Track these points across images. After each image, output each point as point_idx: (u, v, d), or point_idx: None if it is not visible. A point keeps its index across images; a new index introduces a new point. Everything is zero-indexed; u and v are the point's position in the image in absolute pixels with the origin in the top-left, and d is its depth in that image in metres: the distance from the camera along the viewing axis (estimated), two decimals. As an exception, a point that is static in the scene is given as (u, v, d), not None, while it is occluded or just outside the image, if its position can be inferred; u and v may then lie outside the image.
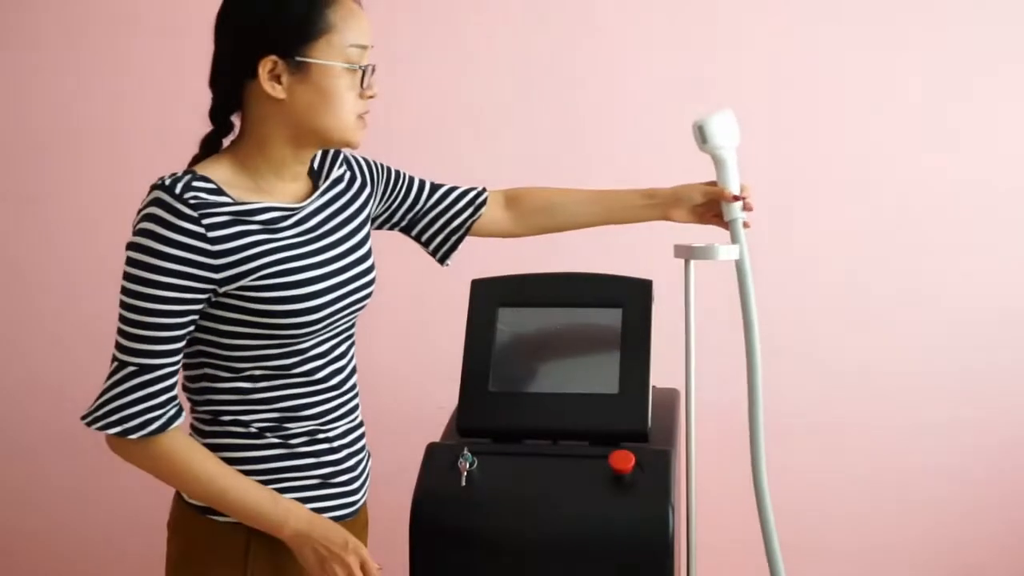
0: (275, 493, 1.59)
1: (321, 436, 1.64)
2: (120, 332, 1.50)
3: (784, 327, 2.77)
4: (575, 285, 1.95)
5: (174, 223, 1.46)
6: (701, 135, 1.87)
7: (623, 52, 2.80)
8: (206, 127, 1.59)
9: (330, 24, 1.51)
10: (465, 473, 1.72)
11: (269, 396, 1.59)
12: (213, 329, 1.55)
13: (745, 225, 1.88)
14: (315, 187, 1.66)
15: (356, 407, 1.71)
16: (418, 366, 2.78)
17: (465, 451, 1.74)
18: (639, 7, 2.79)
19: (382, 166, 1.81)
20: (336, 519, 1.65)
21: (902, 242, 2.77)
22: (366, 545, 1.76)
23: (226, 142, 1.60)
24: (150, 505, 2.16)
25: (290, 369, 1.59)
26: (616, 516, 1.68)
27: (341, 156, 1.73)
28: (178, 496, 1.64)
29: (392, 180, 1.82)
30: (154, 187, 1.50)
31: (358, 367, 1.72)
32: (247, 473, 1.59)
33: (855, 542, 2.85)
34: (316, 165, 1.69)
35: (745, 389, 1.89)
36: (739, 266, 1.87)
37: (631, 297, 1.90)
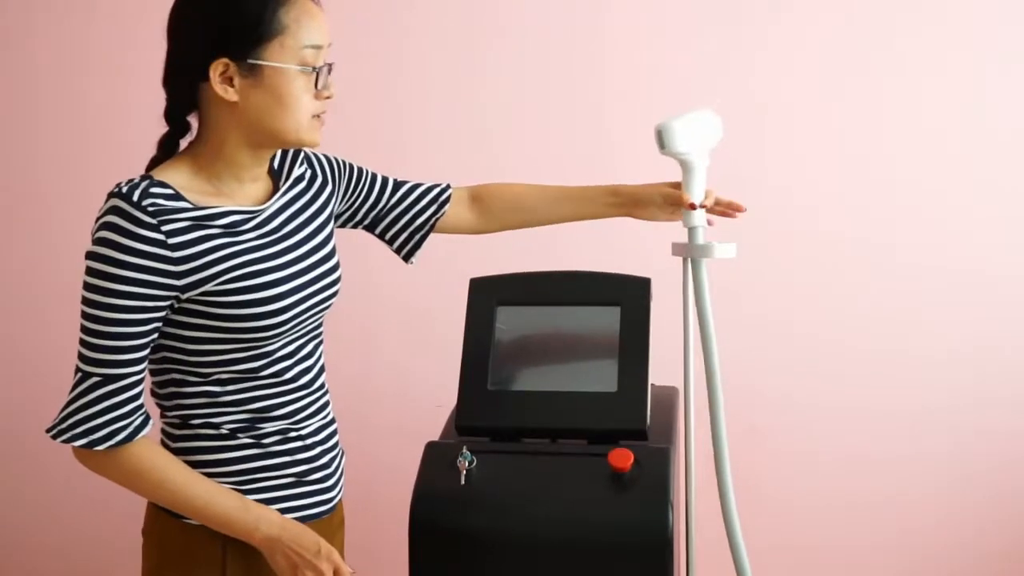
0: (245, 499, 1.58)
1: (293, 434, 1.63)
2: (82, 343, 1.48)
3: (782, 325, 2.77)
4: (574, 283, 1.94)
5: (133, 231, 1.44)
6: (659, 140, 1.79)
7: (623, 51, 2.80)
8: (162, 127, 1.56)
9: (283, 26, 1.48)
10: (464, 472, 1.72)
11: (239, 398, 1.58)
12: (178, 335, 1.53)
13: (710, 222, 1.83)
14: (276, 187, 1.64)
15: (327, 404, 1.71)
16: (417, 365, 2.77)
17: (464, 450, 1.74)
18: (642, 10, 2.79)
19: (343, 163, 1.79)
20: (312, 516, 1.65)
21: (901, 239, 2.78)
22: (343, 542, 1.76)
23: (183, 142, 1.59)
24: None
25: (258, 371, 1.58)
26: (615, 514, 1.69)
27: (301, 155, 1.71)
28: (152, 503, 1.62)
29: (354, 177, 1.79)
30: (111, 195, 1.48)
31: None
32: (220, 475, 1.58)
33: (853, 540, 2.85)
34: (276, 164, 1.66)
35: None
36: (696, 271, 1.80)
37: (630, 295, 1.89)
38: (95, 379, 1.48)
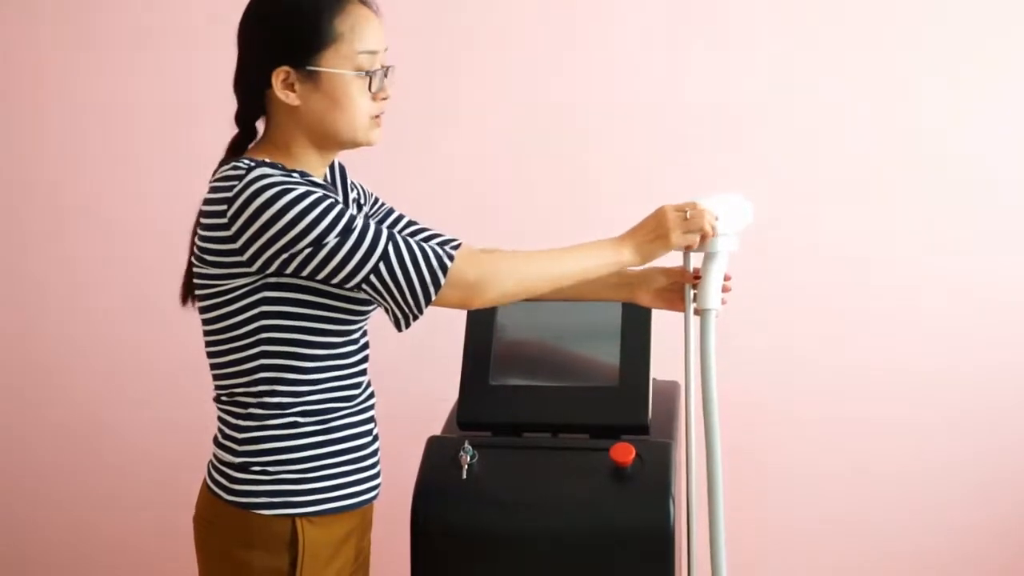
0: (599, 242, 1.67)
1: (357, 419, 1.68)
2: (341, 256, 1.51)
3: (781, 326, 2.77)
4: (575, 278, 1.94)
5: (296, 179, 1.53)
6: None
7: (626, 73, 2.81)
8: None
9: (338, 33, 1.57)
10: (466, 466, 1.73)
11: (319, 377, 1.62)
12: (277, 313, 1.57)
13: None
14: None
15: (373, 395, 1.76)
16: (419, 359, 2.77)
17: (466, 444, 1.74)
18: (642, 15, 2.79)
19: (372, 194, 1.86)
20: (367, 501, 1.69)
21: (902, 241, 2.77)
22: (369, 543, 1.78)
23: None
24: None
25: (340, 349, 1.64)
26: (617, 509, 1.69)
27: (350, 178, 1.80)
28: (212, 494, 1.64)
29: (374, 207, 1.85)
30: (249, 168, 1.53)
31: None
32: (286, 462, 1.61)
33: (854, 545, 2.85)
34: (329, 178, 1.74)
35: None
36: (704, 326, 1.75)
37: (631, 290, 1.89)
38: (381, 248, 1.52)
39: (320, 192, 1.53)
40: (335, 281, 1.54)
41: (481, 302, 1.59)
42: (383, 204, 1.86)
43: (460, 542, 1.71)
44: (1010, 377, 2.76)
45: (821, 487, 2.82)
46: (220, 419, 1.65)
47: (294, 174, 1.56)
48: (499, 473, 1.73)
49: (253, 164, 1.55)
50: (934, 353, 2.76)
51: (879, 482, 2.80)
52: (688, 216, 1.66)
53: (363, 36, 1.59)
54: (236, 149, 1.66)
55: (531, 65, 2.82)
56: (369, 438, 1.70)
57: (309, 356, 1.61)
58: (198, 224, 1.60)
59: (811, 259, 2.78)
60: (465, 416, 1.85)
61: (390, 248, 1.53)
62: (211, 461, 1.67)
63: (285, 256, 1.52)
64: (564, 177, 2.82)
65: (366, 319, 1.68)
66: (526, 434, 1.83)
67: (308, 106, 1.59)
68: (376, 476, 1.71)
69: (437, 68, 2.82)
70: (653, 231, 1.65)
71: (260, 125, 1.66)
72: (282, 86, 1.58)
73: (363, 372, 1.71)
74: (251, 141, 1.66)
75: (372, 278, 1.53)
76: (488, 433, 1.83)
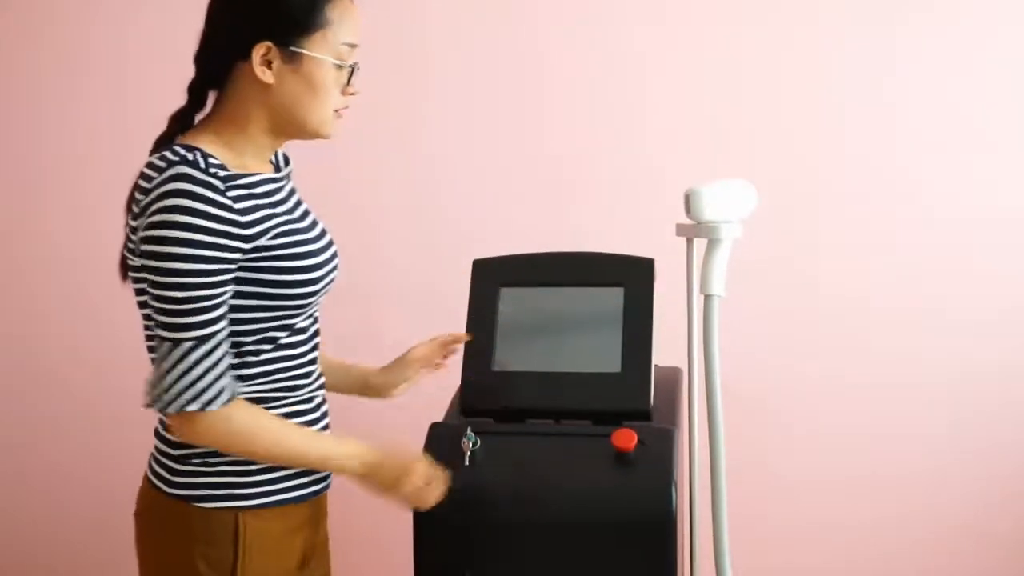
0: (333, 436, 1.67)
1: (305, 407, 1.66)
2: (167, 312, 1.48)
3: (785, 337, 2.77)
4: (577, 264, 1.94)
5: (208, 196, 1.47)
6: (687, 205, 1.79)
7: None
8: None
9: (328, 20, 1.56)
10: (468, 453, 1.72)
11: (262, 371, 1.60)
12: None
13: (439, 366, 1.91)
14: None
15: (324, 384, 1.74)
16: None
17: (468, 431, 1.74)
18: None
19: (296, 196, 1.79)
20: (315, 493, 1.67)
21: (903, 245, 2.77)
22: (326, 533, 1.78)
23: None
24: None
25: (280, 341, 1.61)
26: (619, 495, 1.69)
27: (291, 165, 1.75)
28: (152, 487, 1.62)
29: (292, 211, 1.79)
30: (173, 163, 1.49)
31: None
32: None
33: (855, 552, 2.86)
34: (275, 162, 1.71)
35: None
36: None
37: (633, 276, 1.89)
38: (189, 343, 1.49)
39: (203, 249, 1.46)
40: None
41: (191, 441, 1.55)
42: (300, 205, 1.72)
43: (463, 528, 1.71)
44: (1012, 374, 2.76)
45: (823, 477, 2.82)
46: None
47: (214, 181, 1.48)
48: (501, 459, 1.73)
49: (177, 160, 1.49)
50: (936, 346, 2.77)
51: (879, 473, 2.81)
52: (424, 485, 1.64)
53: (348, 28, 1.58)
54: (181, 121, 1.60)
55: (524, 59, 2.82)
56: (317, 428, 1.67)
57: (248, 350, 1.58)
58: (131, 199, 1.56)
59: (815, 247, 2.78)
60: (467, 402, 1.85)
61: (186, 345, 1.48)
62: (152, 453, 1.64)
63: (144, 273, 1.50)
64: (563, 175, 2.82)
65: (307, 311, 1.64)
66: (528, 420, 1.83)
67: (282, 87, 1.56)
68: None
69: (430, 64, 2.82)
70: (391, 478, 1.62)
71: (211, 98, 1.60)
72: (260, 61, 1.54)
73: (312, 362, 1.68)
74: (198, 112, 1.61)
75: (157, 344, 1.51)
76: (490, 419, 1.83)
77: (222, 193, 1.49)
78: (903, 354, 2.78)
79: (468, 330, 1.90)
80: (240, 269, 1.53)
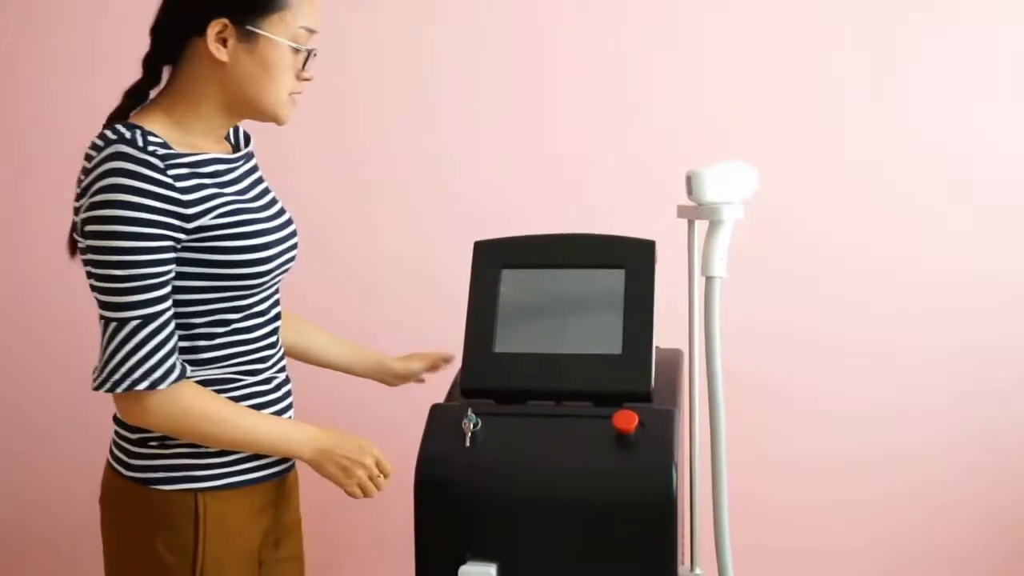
0: (287, 420, 1.67)
1: (263, 388, 1.66)
2: (111, 291, 1.47)
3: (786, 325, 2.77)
4: (578, 246, 1.94)
5: (146, 174, 1.46)
6: (688, 187, 1.80)
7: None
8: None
9: (287, 2, 1.54)
10: (469, 434, 1.73)
11: (215, 355, 1.59)
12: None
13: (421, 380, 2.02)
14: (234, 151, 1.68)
15: (285, 366, 1.74)
16: (422, 327, 2.78)
17: (469, 412, 1.74)
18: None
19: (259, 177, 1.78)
20: (277, 474, 1.68)
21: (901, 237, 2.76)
22: (299, 500, 1.80)
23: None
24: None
25: (238, 323, 1.60)
26: (620, 476, 1.69)
27: (251, 142, 1.74)
28: (112, 471, 1.62)
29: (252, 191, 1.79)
30: (111, 142, 1.48)
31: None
32: None
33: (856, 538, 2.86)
34: (232, 139, 1.70)
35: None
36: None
37: (634, 258, 1.89)
38: (134, 323, 1.47)
39: (141, 226, 1.45)
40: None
41: (141, 424, 1.54)
42: (258, 184, 1.71)
43: (464, 510, 1.71)
44: (1013, 363, 2.76)
45: (823, 457, 2.83)
46: None
47: (152, 160, 1.47)
48: (502, 441, 1.73)
49: (115, 139, 1.47)
50: (933, 333, 2.77)
51: (878, 458, 2.82)
52: (370, 478, 1.67)
53: (308, 12, 1.57)
54: (135, 96, 1.59)
55: (523, 54, 2.81)
56: (276, 408, 1.67)
57: (200, 333, 1.57)
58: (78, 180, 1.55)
59: (816, 230, 2.77)
60: (468, 383, 1.84)
61: (132, 324, 1.47)
62: (112, 438, 1.64)
63: (88, 254, 1.49)
64: (565, 157, 2.81)
65: (259, 293, 1.62)
66: (529, 401, 1.83)
67: (236, 66, 1.54)
68: None
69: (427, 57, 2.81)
70: (345, 460, 1.65)
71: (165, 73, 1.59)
72: (215, 38, 1.52)
73: (271, 345, 1.67)
74: (152, 88, 1.60)
75: (102, 325, 1.50)
76: (491, 400, 1.83)
77: (162, 172, 1.47)
78: (903, 338, 2.78)
79: (469, 311, 1.90)
80: (184, 249, 1.51)
